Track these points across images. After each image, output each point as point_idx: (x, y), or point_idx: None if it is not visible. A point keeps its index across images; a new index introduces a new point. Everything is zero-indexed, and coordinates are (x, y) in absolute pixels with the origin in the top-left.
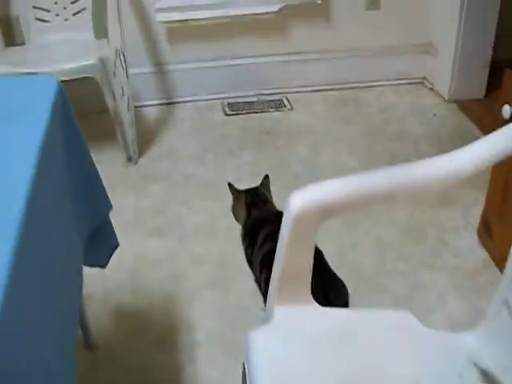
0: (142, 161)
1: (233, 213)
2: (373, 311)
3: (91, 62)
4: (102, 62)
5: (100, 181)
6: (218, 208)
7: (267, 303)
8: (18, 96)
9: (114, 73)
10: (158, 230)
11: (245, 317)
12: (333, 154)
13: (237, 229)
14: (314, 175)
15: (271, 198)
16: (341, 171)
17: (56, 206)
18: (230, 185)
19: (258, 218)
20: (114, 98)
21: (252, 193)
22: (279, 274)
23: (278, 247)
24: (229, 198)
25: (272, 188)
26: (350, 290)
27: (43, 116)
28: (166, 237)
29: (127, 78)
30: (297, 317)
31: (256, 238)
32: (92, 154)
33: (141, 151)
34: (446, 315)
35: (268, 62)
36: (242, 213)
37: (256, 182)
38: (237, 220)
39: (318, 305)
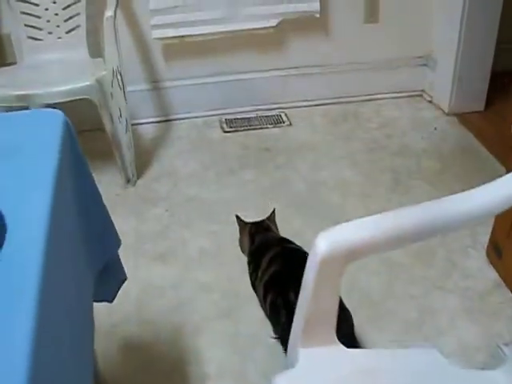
0: (140, 182)
1: (240, 246)
2: (399, 351)
3: (88, 83)
4: (99, 82)
5: (108, 216)
6: (222, 231)
7: (289, 346)
8: (25, 132)
9: (112, 94)
10: (161, 255)
11: (255, 346)
12: (334, 169)
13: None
14: (316, 192)
15: (277, 230)
16: (343, 187)
17: (70, 247)
18: (237, 217)
19: (262, 243)
20: (112, 120)
21: (256, 224)
22: (303, 317)
23: (302, 289)
24: (233, 222)
25: (275, 206)
26: (359, 317)
27: (53, 155)
28: (169, 263)
29: (125, 99)
30: (322, 359)
31: (260, 262)
32: None
33: (139, 171)
34: (457, 338)
35: (266, 77)
36: (247, 242)
37: (259, 202)
38: (243, 252)
39: (342, 346)
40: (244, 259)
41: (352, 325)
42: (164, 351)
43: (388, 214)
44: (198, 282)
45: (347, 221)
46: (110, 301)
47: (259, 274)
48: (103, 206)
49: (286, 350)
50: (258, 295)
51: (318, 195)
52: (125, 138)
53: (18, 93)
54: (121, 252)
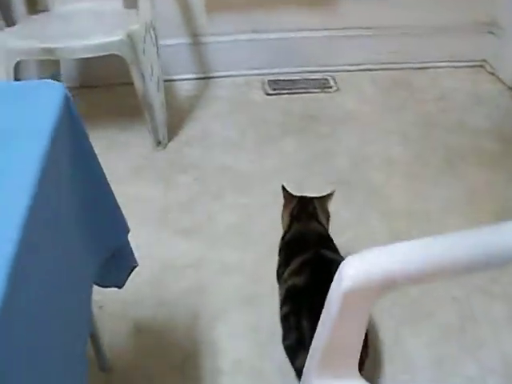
0: (171, 145)
1: (282, 217)
2: None
3: (118, 37)
4: (130, 37)
5: (115, 203)
6: (253, 205)
7: (303, 377)
8: (16, 110)
9: (144, 50)
10: (184, 229)
11: (275, 342)
12: (382, 145)
13: (275, 233)
14: (359, 169)
15: (326, 219)
16: (389, 165)
17: (58, 231)
18: (283, 188)
19: (298, 236)
20: (143, 78)
21: (302, 203)
22: (321, 350)
23: (322, 320)
24: (267, 196)
25: (313, 182)
26: (393, 317)
27: (44, 135)
28: (193, 239)
29: (158, 56)
30: None
31: (290, 261)
32: (116, 134)
33: (171, 133)
34: (500, 352)
35: (315, 36)
36: (285, 222)
37: (297, 176)
38: (283, 227)
39: (365, 381)
40: (275, 235)
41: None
42: (177, 339)
43: (431, 239)
44: (221, 262)
45: (388, 202)
46: (120, 287)
47: (285, 274)
48: (108, 193)
49: (294, 367)
50: (279, 291)
51: (361, 173)
52: (156, 98)
53: (44, 46)
54: (143, 221)
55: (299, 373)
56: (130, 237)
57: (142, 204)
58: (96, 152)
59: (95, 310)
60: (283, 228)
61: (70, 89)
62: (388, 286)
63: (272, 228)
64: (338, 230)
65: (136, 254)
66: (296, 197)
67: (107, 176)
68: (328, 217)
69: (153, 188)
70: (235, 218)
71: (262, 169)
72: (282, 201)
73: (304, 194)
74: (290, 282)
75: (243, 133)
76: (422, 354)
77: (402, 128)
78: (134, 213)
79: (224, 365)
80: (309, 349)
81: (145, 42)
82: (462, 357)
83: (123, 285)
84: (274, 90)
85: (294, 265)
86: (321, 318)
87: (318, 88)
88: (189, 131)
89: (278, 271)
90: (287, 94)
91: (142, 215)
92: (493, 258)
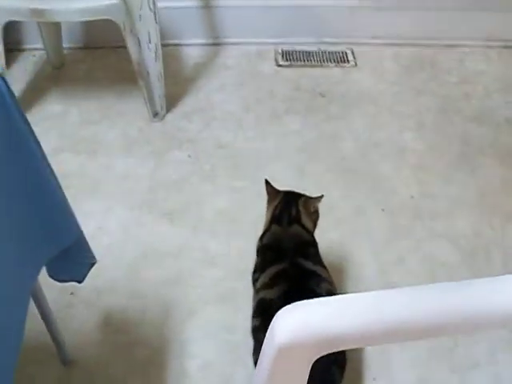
0: (169, 117)
1: (266, 213)
2: None
3: (111, 1)
4: (125, 2)
5: (64, 203)
6: (246, 190)
7: None
8: None
9: (140, 15)
10: (170, 212)
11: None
12: (394, 130)
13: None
14: (366, 156)
15: (311, 220)
16: (399, 154)
17: None
18: (267, 182)
19: (275, 241)
20: (139, 46)
21: (286, 202)
22: None
23: (255, 373)
24: (263, 181)
25: (315, 170)
26: None
27: None
28: (178, 223)
29: (156, 22)
30: None
31: (265, 267)
32: (113, 102)
33: (171, 103)
34: (493, 375)
35: (334, 5)
36: (267, 219)
37: (298, 160)
38: (264, 224)
39: None
40: None
41: None
42: (146, 335)
43: (387, 293)
44: (204, 251)
45: (392, 196)
46: (79, 282)
47: (258, 284)
48: (53, 188)
49: None
50: (252, 297)
51: (368, 161)
52: (154, 68)
53: (33, 6)
54: (127, 201)
55: None
56: (113, 216)
57: (128, 182)
58: (88, 120)
59: (66, 296)
60: (264, 226)
61: (72, 50)
62: (328, 345)
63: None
64: (334, 224)
65: (117, 236)
66: (281, 193)
67: (96, 147)
68: (316, 218)
69: (143, 164)
70: (226, 203)
71: (261, 149)
72: (279, 187)
73: (292, 190)
74: (261, 294)
75: (246, 108)
76: (407, 374)
77: (418, 113)
78: (120, 191)
79: (191, 368)
80: None
81: (141, 6)
82: (451, 379)
83: (83, 280)
84: (287, 60)
85: (267, 275)
86: (254, 375)
87: (334, 62)
88: (190, 102)
89: (253, 275)
90: (300, 66)
91: (128, 194)
92: (465, 321)
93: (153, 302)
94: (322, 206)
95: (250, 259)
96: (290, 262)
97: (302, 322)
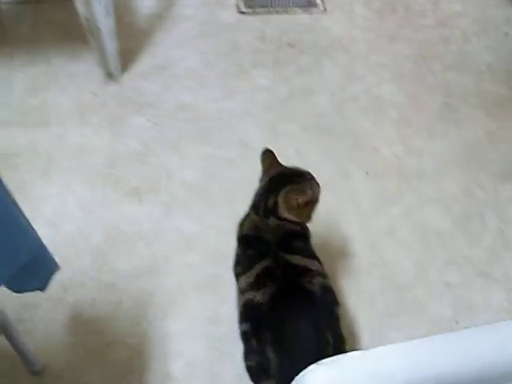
0: (125, 78)
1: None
2: None
3: None
4: None
5: (15, 215)
6: (217, 157)
7: None
8: None
9: None
10: (136, 189)
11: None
12: (371, 81)
13: (243, 197)
14: (343, 111)
15: (296, 214)
16: (379, 107)
17: None
18: (265, 152)
19: (254, 233)
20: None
21: (269, 188)
22: None
23: None
24: (233, 146)
25: (289, 129)
26: (377, 304)
27: None
28: (146, 202)
29: None
30: None
31: (248, 262)
32: (62, 64)
33: (125, 61)
34: None
35: None
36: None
37: (270, 120)
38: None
39: None
40: (242, 205)
41: None
42: (122, 333)
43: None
44: (177, 233)
45: (375, 156)
46: (42, 290)
47: (243, 283)
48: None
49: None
50: (236, 294)
51: (346, 117)
52: (105, 23)
53: None
54: (86, 179)
55: None
56: (72, 197)
57: (86, 156)
58: (35, 87)
59: (30, 295)
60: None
61: (10, 5)
62: None
63: (239, 188)
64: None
65: (78, 221)
66: (271, 172)
67: (47, 117)
68: (310, 210)
69: (100, 133)
70: (196, 174)
71: (228, 109)
72: (252, 153)
73: (290, 169)
74: (248, 296)
75: (209, 63)
76: None
77: (394, 61)
78: (76, 166)
79: (174, 368)
80: (274, 378)
81: None
82: None
83: (44, 289)
84: (249, 7)
85: (252, 274)
86: None
87: (301, 7)
88: (146, 60)
89: (235, 267)
90: (264, 13)
91: (86, 169)
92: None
93: (126, 294)
94: (300, 166)
95: (229, 239)
96: (274, 258)
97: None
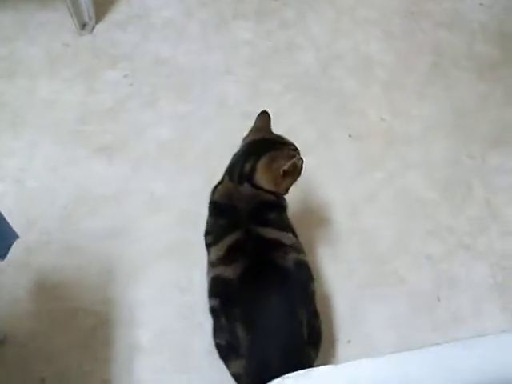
0: (100, 27)
1: None
2: None
3: None
4: None
5: None
6: (194, 117)
7: None
8: None
9: None
10: (106, 147)
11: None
12: (358, 38)
13: (218, 157)
14: (328, 71)
15: (274, 183)
16: (365, 67)
17: None
18: (261, 113)
19: (226, 201)
20: None
21: (248, 151)
22: None
23: None
24: (210, 103)
25: (270, 88)
26: (354, 278)
27: None
28: (116, 160)
29: None
30: None
31: (218, 233)
32: (32, 11)
33: (100, 10)
34: (479, 330)
35: None
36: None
37: (251, 77)
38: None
39: None
40: (216, 165)
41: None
42: (88, 300)
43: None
44: (148, 193)
45: (360, 118)
46: (1, 259)
47: (213, 255)
48: None
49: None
50: (207, 264)
51: (331, 76)
52: None
53: None
54: (55, 135)
55: (234, 377)
56: (39, 154)
57: (55, 111)
58: (3, 36)
59: None
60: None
61: None
62: None
63: (214, 149)
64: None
65: (45, 178)
66: (253, 136)
67: (15, 69)
68: (290, 180)
69: (71, 88)
70: (170, 132)
71: (208, 64)
72: (229, 112)
73: (275, 136)
74: (217, 271)
75: (188, 13)
76: (385, 334)
77: (383, 17)
78: (45, 122)
79: (142, 338)
80: (243, 357)
81: None
82: (433, 337)
83: (4, 257)
84: None
85: (222, 247)
86: None
87: None
88: (122, 8)
89: (206, 237)
90: None
91: (55, 125)
92: None
93: (93, 258)
94: (281, 129)
95: (201, 201)
96: (246, 230)
97: None
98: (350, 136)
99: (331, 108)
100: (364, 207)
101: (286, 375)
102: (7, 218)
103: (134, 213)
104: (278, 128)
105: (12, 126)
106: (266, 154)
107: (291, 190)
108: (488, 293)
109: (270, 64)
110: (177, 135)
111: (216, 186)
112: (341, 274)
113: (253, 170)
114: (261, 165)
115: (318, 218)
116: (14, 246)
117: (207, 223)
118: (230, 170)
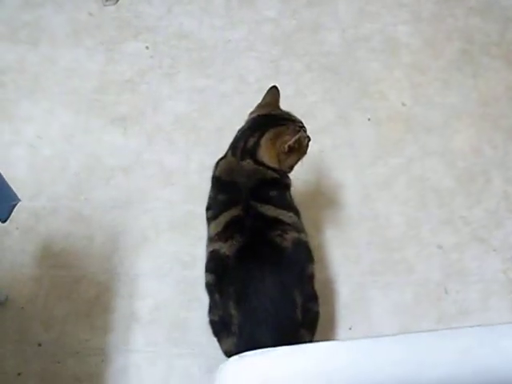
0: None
1: None
2: None
3: None
4: None
5: None
6: (210, 91)
7: None
8: None
9: None
10: (122, 117)
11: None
12: (386, 21)
13: (233, 134)
14: (352, 52)
15: (277, 160)
16: (391, 50)
17: None
18: (271, 88)
19: (227, 176)
20: None
21: (253, 127)
22: None
23: None
24: (230, 79)
25: (292, 66)
26: (363, 263)
27: None
28: (130, 131)
29: None
30: None
31: (218, 210)
32: None
33: None
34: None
35: None
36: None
37: (273, 55)
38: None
39: None
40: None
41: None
42: (91, 269)
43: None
44: (159, 166)
45: (381, 101)
46: (2, 221)
47: (212, 231)
48: None
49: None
50: (207, 238)
51: (355, 58)
52: None
53: None
54: (72, 103)
55: (226, 355)
56: (55, 121)
57: (74, 79)
58: (30, 2)
59: None
60: None
61: None
62: None
63: (230, 125)
64: (312, 135)
65: (59, 146)
66: (265, 109)
67: (39, 36)
68: (295, 158)
69: (92, 58)
70: (187, 106)
71: (231, 40)
72: (248, 89)
73: (280, 113)
74: (216, 246)
75: None
76: (388, 322)
77: (415, 0)
78: (64, 90)
79: (141, 309)
80: (235, 336)
81: None
82: (437, 329)
83: (5, 220)
84: None
85: (221, 222)
86: None
87: None
88: None
89: (206, 211)
90: None
91: (73, 94)
92: None
93: (99, 227)
94: (300, 110)
95: (208, 175)
96: (245, 207)
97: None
98: (369, 119)
99: (352, 90)
100: (377, 192)
101: (244, 353)
102: (18, 181)
103: (143, 185)
104: (296, 107)
105: (31, 93)
106: (270, 130)
107: (303, 169)
108: (498, 288)
109: (292, 42)
110: (193, 110)
111: (218, 161)
112: (347, 258)
113: (256, 145)
114: (265, 140)
115: (329, 199)
116: (21, 210)
117: (209, 197)
118: (234, 145)
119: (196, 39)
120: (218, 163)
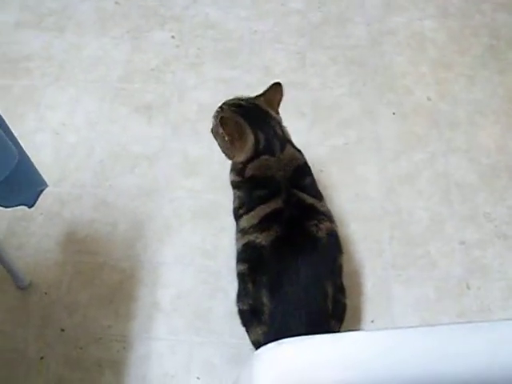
0: None
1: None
2: None
3: None
4: None
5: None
6: (236, 81)
7: None
8: None
9: None
10: (147, 106)
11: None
12: (412, 15)
13: None
14: (377, 46)
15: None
16: (417, 45)
17: None
18: (275, 85)
19: (263, 171)
20: None
21: (256, 117)
22: None
23: None
24: (256, 70)
25: (318, 59)
26: (385, 256)
27: None
28: (155, 120)
29: None
30: None
31: (253, 202)
32: None
33: None
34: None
35: None
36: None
37: (298, 46)
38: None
39: None
40: None
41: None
42: (115, 256)
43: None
44: (183, 156)
45: (405, 97)
46: (29, 206)
47: (246, 224)
48: None
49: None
50: (236, 232)
51: (380, 52)
52: None
53: None
54: (98, 91)
55: (254, 345)
56: (81, 109)
57: (100, 68)
58: None
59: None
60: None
61: None
62: None
63: None
64: (337, 127)
65: (84, 133)
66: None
67: (65, 23)
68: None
69: (118, 46)
70: (212, 96)
71: (257, 32)
72: (274, 80)
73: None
74: (251, 237)
75: None
76: (409, 316)
77: None
78: (89, 78)
79: (163, 299)
80: (265, 325)
81: None
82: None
83: (32, 205)
84: None
85: (257, 215)
86: None
87: None
88: None
89: (237, 210)
90: None
91: (99, 82)
92: None
93: (123, 215)
94: (325, 102)
95: None
96: (286, 197)
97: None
98: (393, 113)
99: (377, 83)
100: (401, 187)
101: (281, 340)
102: (43, 167)
103: (167, 174)
104: (322, 99)
105: (57, 80)
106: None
107: (328, 163)
108: None
109: (318, 35)
110: (218, 100)
111: (241, 167)
112: (370, 252)
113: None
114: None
115: (353, 192)
116: (46, 196)
117: (239, 198)
118: (267, 147)
119: (222, 29)
120: (241, 169)
